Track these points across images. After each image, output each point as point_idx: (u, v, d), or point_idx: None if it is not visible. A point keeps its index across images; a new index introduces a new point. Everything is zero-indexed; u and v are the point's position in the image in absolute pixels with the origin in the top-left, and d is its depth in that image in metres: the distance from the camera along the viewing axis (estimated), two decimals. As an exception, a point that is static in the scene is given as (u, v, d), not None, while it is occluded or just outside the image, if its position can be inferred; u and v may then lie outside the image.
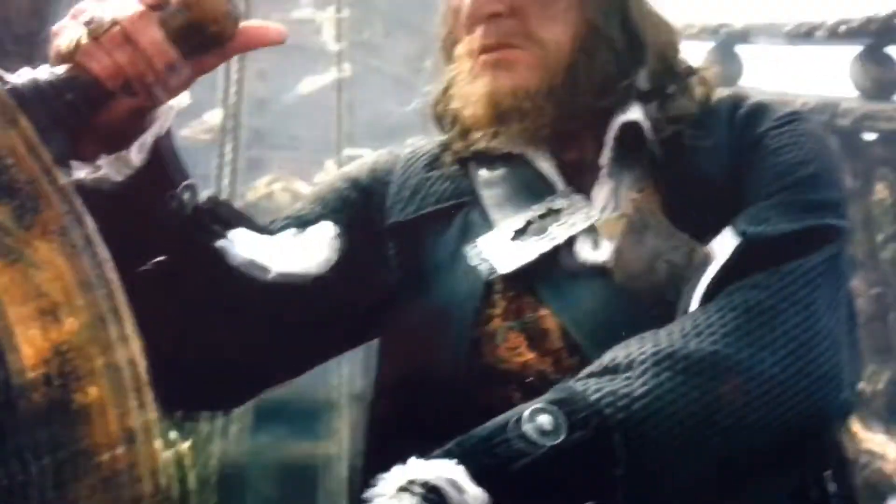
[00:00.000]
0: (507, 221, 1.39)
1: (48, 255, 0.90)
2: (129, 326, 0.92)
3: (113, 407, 0.89)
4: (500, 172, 1.45)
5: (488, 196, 1.44)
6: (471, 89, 1.40)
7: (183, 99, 1.22)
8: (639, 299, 1.31)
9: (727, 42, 6.06)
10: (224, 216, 1.37)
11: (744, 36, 5.97)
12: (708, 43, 6.20)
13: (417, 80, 9.64)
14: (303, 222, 1.44)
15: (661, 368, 1.13)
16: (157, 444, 0.91)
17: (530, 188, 1.43)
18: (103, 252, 0.93)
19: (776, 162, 1.35)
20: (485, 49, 1.38)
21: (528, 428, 1.06)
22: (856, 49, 5.23)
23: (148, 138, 1.20)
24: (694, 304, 1.24)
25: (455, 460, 1.02)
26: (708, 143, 1.40)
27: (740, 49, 6.16)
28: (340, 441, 5.18)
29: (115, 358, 0.90)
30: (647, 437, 1.08)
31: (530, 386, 1.28)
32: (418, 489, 1.00)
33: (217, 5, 1.16)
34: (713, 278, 1.24)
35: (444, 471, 1.01)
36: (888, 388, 5.15)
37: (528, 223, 1.38)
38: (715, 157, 1.38)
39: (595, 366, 1.17)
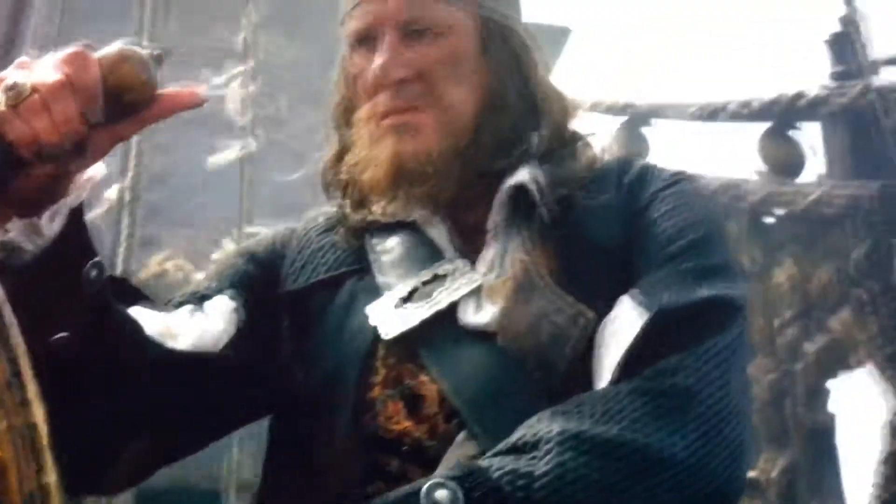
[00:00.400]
0: (395, 288, 1.44)
1: None
2: (32, 391, 0.96)
3: (16, 468, 0.93)
4: (392, 240, 1.51)
5: (379, 264, 1.49)
6: (372, 153, 1.44)
7: (100, 169, 1.26)
8: (521, 362, 1.35)
9: (634, 121, 6.26)
10: (123, 293, 1.40)
11: (650, 115, 6.16)
12: (616, 120, 6.41)
13: (320, 154, 9.78)
14: (200, 298, 1.48)
15: (565, 448, 1.18)
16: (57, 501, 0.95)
17: (420, 255, 1.48)
18: (10, 318, 0.97)
19: (666, 226, 1.41)
20: (390, 112, 1.44)
21: (424, 501, 1.12)
22: (760, 129, 5.40)
23: (62, 208, 1.22)
24: (605, 377, 1.28)
25: None
26: (597, 205, 1.45)
27: (647, 129, 6.35)
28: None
29: (17, 421, 0.94)
30: None
31: (406, 454, 1.33)
32: None
33: (133, 74, 1.19)
34: (623, 355, 1.28)
35: None
36: (782, 476, 5.24)
37: (415, 289, 1.43)
38: (605, 220, 1.44)
39: (502, 445, 1.21)
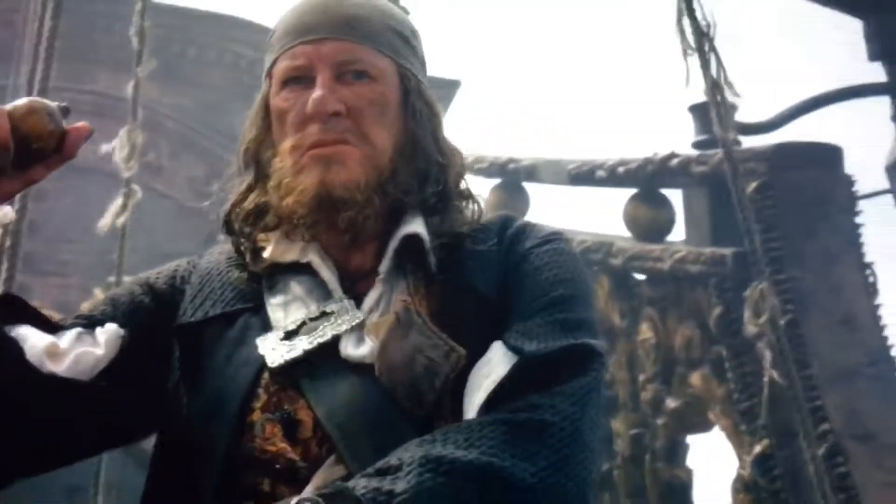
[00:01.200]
0: (283, 323, 1.56)
1: None
2: None
3: None
4: (285, 280, 1.63)
5: (272, 301, 1.61)
6: (296, 180, 1.57)
7: (8, 213, 1.44)
8: (393, 392, 1.48)
9: (515, 177, 6.36)
10: (16, 311, 1.55)
11: (531, 173, 6.26)
12: (496, 179, 6.50)
13: (200, 204, 9.72)
14: (92, 322, 1.61)
15: (424, 470, 1.30)
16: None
17: (311, 294, 1.61)
18: None
19: (539, 279, 1.58)
20: (318, 144, 1.57)
21: None
22: (633, 190, 5.51)
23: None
24: (471, 411, 1.43)
25: None
26: (479, 256, 1.62)
27: (528, 185, 6.42)
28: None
29: None
30: None
31: (278, 473, 1.46)
32: None
33: (41, 125, 1.34)
34: (492, 391, 1.43)
35: None
36: None
37: (302, 324, 1.55)
38: (484, 269, 1.60)
39: (370, 469, 1.34)
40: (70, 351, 1.57)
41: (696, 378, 5.02)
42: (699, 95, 5.00)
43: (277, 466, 1.48)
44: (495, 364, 1.47)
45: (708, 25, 3.73)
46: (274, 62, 1.67)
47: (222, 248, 1.75)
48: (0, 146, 1.32)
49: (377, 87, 1.63)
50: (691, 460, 5.37)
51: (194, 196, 9.56)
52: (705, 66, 3.69)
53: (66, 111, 1.42)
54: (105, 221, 4.10)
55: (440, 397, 1.48)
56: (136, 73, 4.28)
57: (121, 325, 1.62)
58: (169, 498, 1.56)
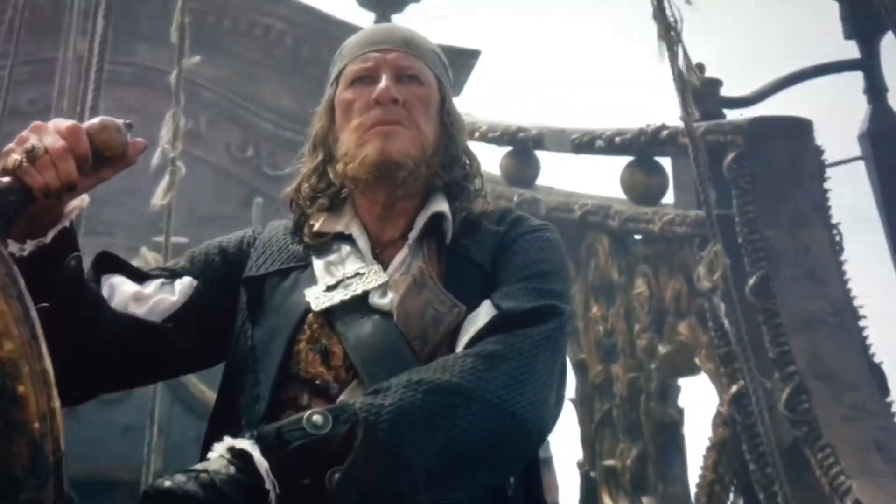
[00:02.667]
0: (326, 278, 1.89)
1: None
2: (44, 346, 1.45)
3: (34, 398, 1.37)
4: (329, 246, 1.96)
5: (318, 262, 1.93)
6: (359, 151, 1.92)
7: (85, 199, 1.75)
8: (407, 334, 1.79)
9: (525, 145, 6.66)
10: (110, 264, 1.94)
11: (538, 141, 6.55)
12: (507, 147, 6.82)
13: (237, 169, 9.99)
14: (173, 274, 1.98)
15: (407, 389, 1.59)
16: (60, 422, 1.44)
17: (349, 258, 1.93)
18: (28, 300, 1.46)
19: (524, 257, 1.90)
20: (381, 122, 1.92)
21: (305, 423, 1.53)
22: (629, 158, 5.77)
23: (60, 226, 1.72)
24: (458, 350, 1.73)
25: (252, 440, 1.51)
26: (482, 237, 1.94)
27: (538, 152, 6.72)
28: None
29: (36, 367, 1.42)
30: (383, 430, 1.53)
31: (316, 388, 1.79)
32: (227, 454, 1.49)
33: (111, 139, 1.68)
34: (474, 334, 1.74)
35: (244, 445, 1.49)
36: (635, 463, 5.61)
37: (340, 281, 1.87)
38: (484, 247, 1.92)
39: (368, 390, 1.63)
40: (152, 296, 1.93)
41: (684, 327, 5.32)
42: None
43: (317, 382, 1.79)
44: (481, 316, 1.77)
45: (675, 21, 4.00)
46: (343, 68, 2.04)
47: (280, 222, 2.09)
48: (82, 156, 1.62)
49: (425, 90, 2.01)
50: (682, 400, 5.68)
51: (231, 161, 9.81)
52: (673, 57, 3.97)
53: (129, 126, 1.71)
54: (156, 199, 4.48)
55: (442, 340, 1.78)
56: (178, 65, 4.65)
57: (195, 278, 1.97)
58: (233, 410, 1.86)
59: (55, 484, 1.38)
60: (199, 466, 1.51)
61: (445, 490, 1.61)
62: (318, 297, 1.87)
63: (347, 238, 1.99)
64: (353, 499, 1.51)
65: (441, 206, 1.99)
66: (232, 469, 1.49)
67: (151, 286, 1.96)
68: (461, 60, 9.92)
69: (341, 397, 1.76)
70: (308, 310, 1.87)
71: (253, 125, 9.63)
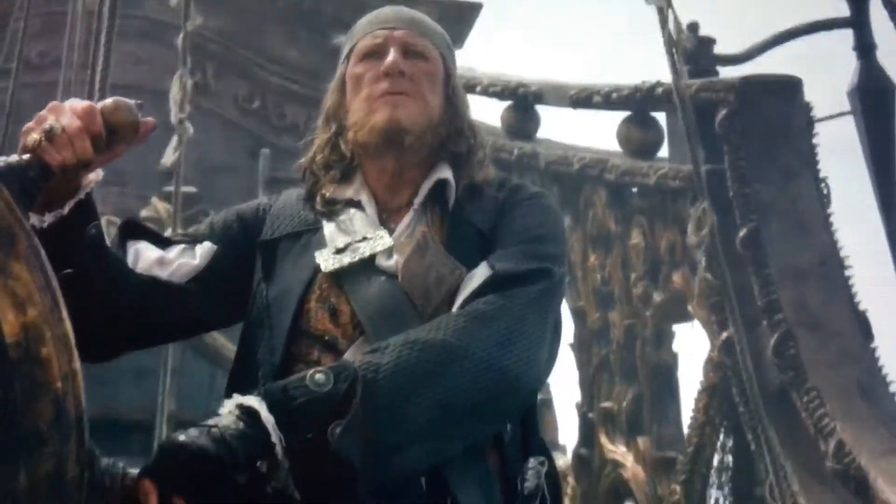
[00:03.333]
0: (335, 242, 1.98)
1: (19, 271, 1.45)
2: (64, 312, 1.52)
3: (57, 360, 1.45)
4: (339, 212, 2.04)
5: (328, 226, 2.03)
6: (369, 119, 2.02)
7: (100, 174, 1.85)
8: (410, 294, 1.89)
9: (525, 100, 6.71)
10: (136, 232, 2.05)
11: (537, 96, 6.61)
12: (507, 101, 6.88)
13: (244, 120, 10.04)
14: (194, 239, 2.08)
15: (404, 348, 1.68)
16: (80, 381, 1.52)
17: (357, 223, 2.02)
18: (50, 269, 1.53)
19: (521, 223, 1.98)
20: (389, 92, 2.02)
21: (308, 382, 1.62)
22: (626, 113, 5.82)
23: (77, 198, 1.82)
24: (454, 310, 1.81)
25: (259, 398, 1.60)
26: (483, 203, 2.03)
27: (538, 106, 6.77)
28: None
29: (58, 332, 1.49)
30: (381, 387, 1.62)
31: (325, 343, 1.89)
32: (236, 411, 1.58)
33: (124, 118, 1.77)
34: (468, 294, 1.83)
35: (252, 402, 1.58)
36: (631, 405, 5.71)
37: (348, 245, 1.97)
38: (484, 213, 2.01)
39: (368, 349, 1.73)
40: (174, 261, 2.03)
41: (677, 276, 5.42)
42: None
43: (326, 338, 1.89)
44: (476, 277, 1.86)
45: None
46: (353, 45, 2.12)
47: (293, 191, 2.18)
48: (97, 134, 1.71)
49: (430, 66, 2.11)
50: (676, 345, 5.79)
51: (238, 112, 9.86)
52: (663, 22, 4.02)
53: (140, 106, 1.80)
54: (166, 159, 4.55)
55: (444, 300, 1.87)
56: (184, 27, 4.71)
57: (215, 243, 2.07)
58: (252, 363, 1.95)
59: (77, 438, 1.46)
60: (210, 422, 1.59)
61: (441, 441, 1.70)
62: (327, 260, 1.96)
63: (356, 204, 2.07)
64: (354, 451, 1.58)
65: (445, 173, 2.07)
66: (241, 424, 1.58)
67: (174, 251, 2.06)
68: (463, 14, 9.93)
69: (348, 352, 1.85)
70: (318, 270, 1.96)
71: (259, 77, 9.69)
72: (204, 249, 2.07)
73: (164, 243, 2.07)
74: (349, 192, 2.09)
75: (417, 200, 2.04)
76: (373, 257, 1.95)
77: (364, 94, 2.06)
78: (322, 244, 2.02)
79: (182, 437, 1.57)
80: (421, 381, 1.67)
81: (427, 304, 1.88)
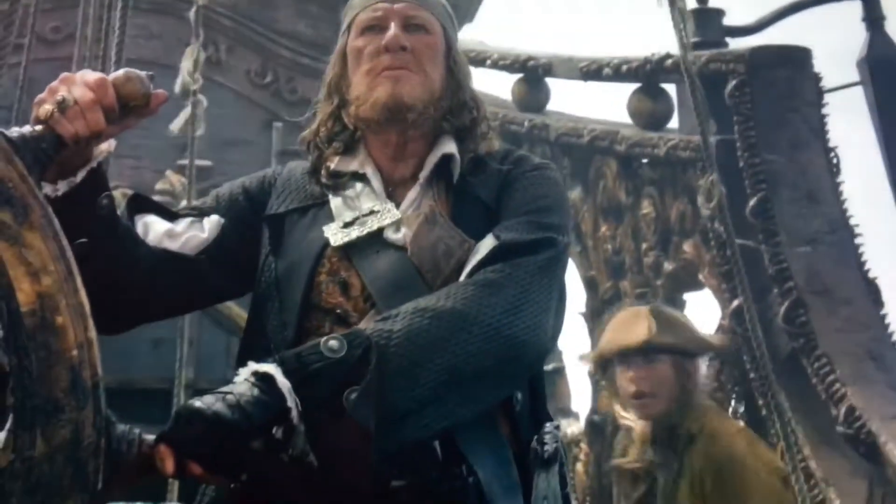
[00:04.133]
0: (343, 215, 2.00)
1: (33, 240, 1.46)
2: (79, 281, 1.53)
3: (72, 328, 1.45)
4: (345, 185, 2.05)
5: (334, 200, 2.03)
6: (370, 94, 2.02)
7: (112, 144, 1.86)
8: (420, 267, 1.91)
9: (535, 73, 6.68)
10: (143, 205, 2.05)
11: (547, 69, 6.57)
12: (518, 74, 6.85)
13: (257, 94, 10.03)
14: (202, 212, 2.09)
15: (414, 316, 1.71)
16: (96, 350, 1.52)
17: (362, 196, 2.03)
18: (63, 238, 1.53)
19: (526, 194, 2.00)
20: (389, 68, 2.02)
21: (322, 348, 1.64)
22: (636, 85, 5.79)
23: (89, 167, 1.83)
24: (462, 279, 1.84)
25: (275, 364, 1.61)
26: (487, 176, 2.07)
27: (548, 79, 6.73)
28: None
29: (72, 301, 1.51)
30: (393, 353, 1.65)
31: (337, 317, 1.91)
32: (251, 378, 1.60)
33: (135, 89, 1.77)
34: (475, 263, 1.86)
35: (267, 368, 1.60)
36: None
37: (356, 218, 1.98)
38: (488, 186, 2.03)
39: (378, 317, 1.76)
40: (183, 233, 2.04)
41: (688, 246, 5.39)
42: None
43: (338, 312, 1.91)
44: (483, 247, 1.89)
45: None
46: (353, 18, 2.12)
47: (298, 163, 2.18)
48: (109, 106, 1.71)
49: (431, 38, 2.10)
50: (687, 314, 5.56)
51: (250, 86, 9.80)
52: (671, -2, 3.99)
53: (152, 78, 1.80)
54: (174, 126, 4.55)
55: (453, 272, 1.89)
56: (196, 2, 4.70)
57: (221, 216, 2.08)
58: (263, 336, 1.97)
59: (93, 405, 1.47)
60: (225, 389, 1.60)
61: (451, 406, 1.72)
62: (336, 234, 1.98)
63: (362, 177, 2.08)
64: (368, 415, 1.60)
65: (450, 147, 2.08)
66: (256, 391, 1.58)
67: (182, 224, 2.07)
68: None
69: (360, 325, 1.84)
70: (327, 244, 1.98)
71: (271, 51, 9.60)
72: (211, 223, 2.08)
73: (171, 216, 2.08)
74: (354, 165, 2.10)
75: (423, 174, 2.05)
76: (381, 230, 1.97)
77: (365, 69, 2.06)
78: (329, 218, 2.02)
79: (198, 404, 1.57)
80: (432, 348, 1.69)
81: (437, 276, 1.90)
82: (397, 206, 2.01)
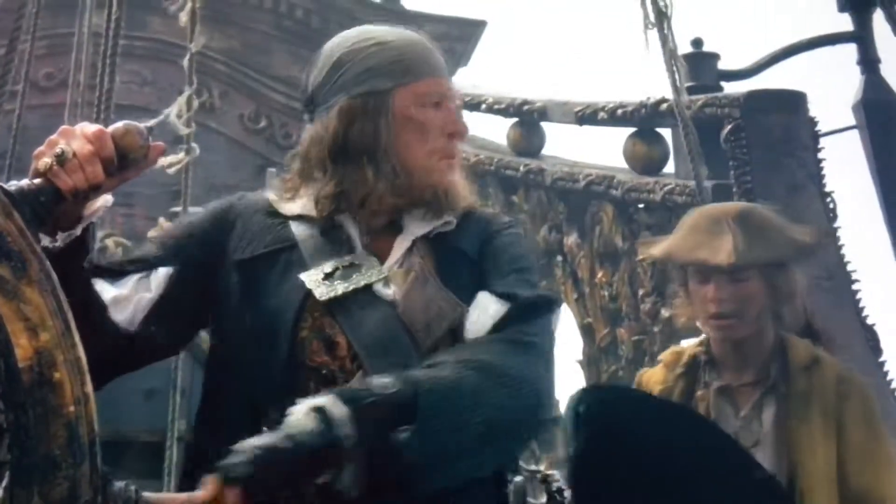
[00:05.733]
0: (322, 265, 1.95)
1: (31, 295, 1.47)
2: (76, 336, 1.53)
3: (69, 384, 1.46)
4: (316, 230, 2.01)
5: (306, 246, 1.98)
6: (429, 177, 2.01)
7: (108, 199, 1.83)
8: (411, 326, 1.91)
9: (530, 117, 6.73)
10: (100, 270, 1.96)
11: (542, 113, 6.62)
12: (513, 118, 6.92)
13: (250, 140, 10.08)
14: (148, 265, 1.99)
15: (459, 366, 1.78)
16: (93, 405, 1.53)
17: (337, 244, 2.00)
18: (61, 293, 1.55)
19: (509, 252, 2.06)
20: (454, 155, 2.07)
21: (374, 385, 1.71)
22: (631, 129, 5.84)
23: (88, 222, 1.81)
24: (480, 333, 1.91)
25: (333, 398, 1.66)
26: (467, 228, 2.07)
27: (543, 123, 6.77)
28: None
29: (70, 356, 1.51)
30: (443, 398, 1.72)
31: (323, 378, 1.88)
32: (311, 411, 1.64)
33: (134, 142, 1.78)
34: (498, 320, 1.91)
35: (323, 402, 1.65)
36: None
37: (336, 269, 1.94)
38: (469, 239, 2.06)
39: (421, 366, 1.79)
40: (131, 298, 1.95)
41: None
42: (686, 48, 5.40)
43: (324, 372, 1.88)
44: (488, 308, 1.94)
45: (666, 6, 4.10)
46: (408, 80, 2.03)
47: (255, 196, 2.12)
48: (108, 158, 1.72)
49: None
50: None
51: (244, 131, 9.85)
52: (664, 40, 4.04)
53: (150, 130, 1.81)
54: (171, 170, 4.54)
55: (445, 334, 1.92)
56: (189, 49, 4.73)
57: (170, 264, 1.99)
58: (227, 401, 1.93)
59: (90, 462, 1.48)
60: (283, 427, 1.65)
61: (485, 457, 1.82)
62: (318, 286, 1.94)
63: (332, 221, 2.05)
64: (417, 454, 1.67)
65: (420, 228, 2.07)
66: (313, 423, 1.64)
67: (129, 285, 1.97)
68: (468, 31, 9.96)
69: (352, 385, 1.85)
70: (307, 296, 1.94)
71: (265, 97, 9.66)
72: (159, 278, 2.00)
73: (118, 274, 1.99)
74: (325, 209, 2.06)
75: (399, 252, 2.03)
76: (368, 287, 1.95)
77: (429, 148, 2.05)
78: (302, 264, 1.98)
79: (259, 442, 1.63)
80: (474, 397, 1.77)
81: (427, 337, 1.92)
82: (378, 257, 2.01)
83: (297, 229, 2.03)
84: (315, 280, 1.94)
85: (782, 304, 3.03)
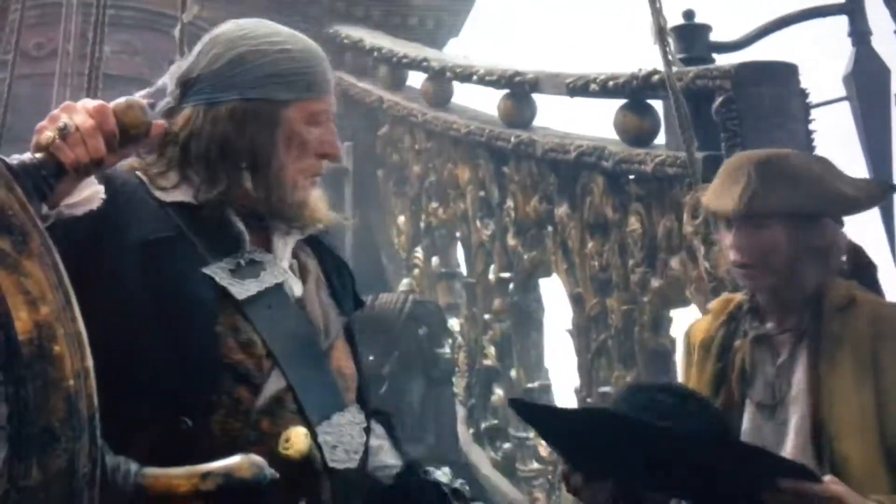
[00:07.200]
0: (220, 261, 1.92)
1: (32, 269, 1.49)
2: (77, 311, 1.54)
3: (69, 357, 1.48)
4: (202, 222, 1.95)
5: (199, 238, 1.93)
6: (293, 193, 1.99)
7: (99, 191, 1.81)
8: (317, 328, 1.99)
9: (521, 88, 6.71)
10: None
11: (534, 85, 6.59)
12: (504, 90, 6.89)
13: None
14: None
15: None
16: (92, 380, 1.53)
17: (228, 239, 1.96)
18: (62, 267, 1.55)
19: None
20: (318, 175, 2.07)
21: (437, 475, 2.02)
22: (622, 101, 5.78)
23: (89, 207, 1.80)
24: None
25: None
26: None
27: (534, 94, 6.74)
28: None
29: (70, 330, 1.52)
30: None
31: (239, 376, 1.86)
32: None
33: (136, 117, 1.78)
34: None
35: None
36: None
37: (239, 265, 1.92)
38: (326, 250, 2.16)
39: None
40: None
41: (675, 262, 5.38)
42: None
43: (239, 370, 1.86)
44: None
45: None
46: (298, 95, 1.99)
47: (126, 173, 1.97)
48: (110, 133, 1.73)
49: None
50: (673, 331, 5.69)
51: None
52: (655, 14, 4.03)
53: (152, 106, 1.83)
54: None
55: (337, 339, 2.03)
56: (181, 19, 4.71)
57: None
58: (148, 390, 1.83)
59: (89, 436, 1.49)
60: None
61: None
62: (232, 285, 1.91)
63: (215, 212, 2.01)
64: None
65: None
66: None
67: None
68: (459, 3, 9.92)
69: (265, 391, 1.88)
70: (218, 292, 1.90)
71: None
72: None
73: None
74: (210, 198, 2.01)
75: (286, 260, 2.05)
76: (278, 286, 1.96)
77: (301, 166, 2.01)
78: (199, 257, 1.92)
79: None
80: None
81: (327, 339, 1.99)
82: (266, 251, 2.01)
83: (182, 219, 1.95)
84: (223, 277, 1.91)
85: (815, 257, 2.74)
